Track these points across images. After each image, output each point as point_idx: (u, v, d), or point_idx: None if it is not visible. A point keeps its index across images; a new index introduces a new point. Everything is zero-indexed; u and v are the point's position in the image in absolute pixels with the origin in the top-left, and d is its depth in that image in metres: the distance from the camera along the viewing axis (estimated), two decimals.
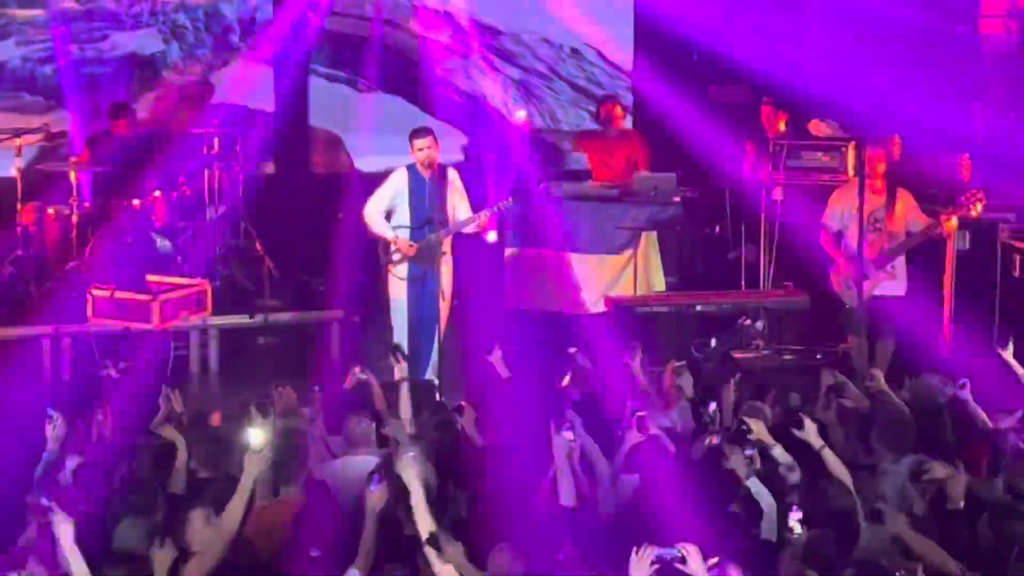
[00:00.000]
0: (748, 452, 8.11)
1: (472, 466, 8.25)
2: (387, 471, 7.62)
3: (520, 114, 15.56)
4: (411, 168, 11.73)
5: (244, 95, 15.59)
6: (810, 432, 8.16)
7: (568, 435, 8.00)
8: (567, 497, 7.78)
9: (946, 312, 12.96)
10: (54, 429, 8.28)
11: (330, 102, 16.46)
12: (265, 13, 16.16)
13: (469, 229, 11.76)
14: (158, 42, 15.95)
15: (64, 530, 6.68)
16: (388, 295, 11.85)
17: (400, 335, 11.78)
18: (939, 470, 7.94)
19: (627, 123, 14.42)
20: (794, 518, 7.27)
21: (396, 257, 11.73)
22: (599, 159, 14.03)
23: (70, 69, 15.44)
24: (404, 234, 11.67)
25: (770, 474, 8.05)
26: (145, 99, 15.43)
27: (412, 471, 7.16)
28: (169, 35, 16.05)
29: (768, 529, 7.51)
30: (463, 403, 9.14)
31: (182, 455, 8.24)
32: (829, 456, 8.06)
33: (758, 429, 8.43)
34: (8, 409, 10.35)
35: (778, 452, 8.25)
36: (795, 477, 8.07)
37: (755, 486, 7.67)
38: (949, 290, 12.91)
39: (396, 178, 11.78)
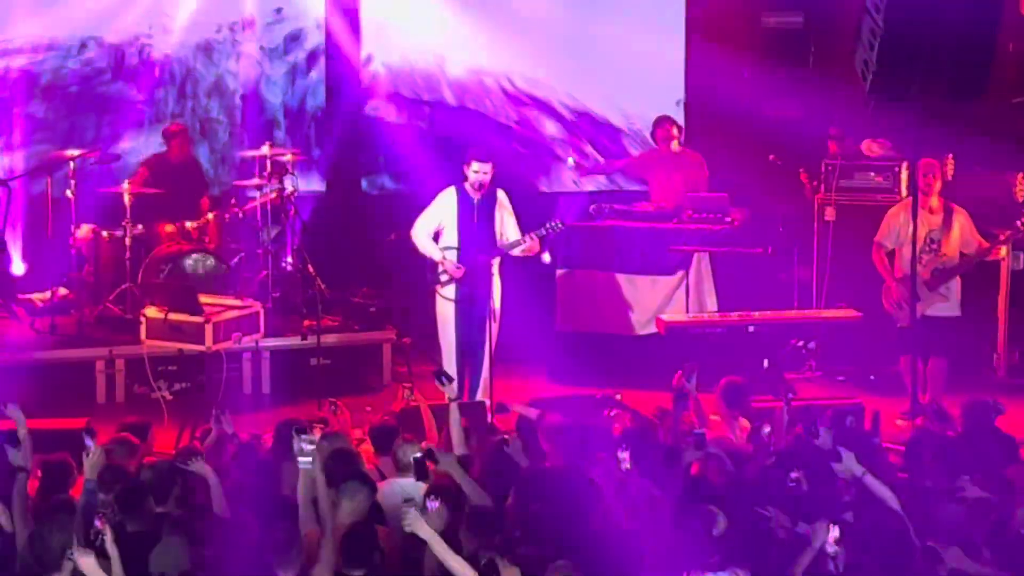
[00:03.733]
0: (794, 475, 8.08)
1: (526, 487, 8.23)
2: (440, 492, 7.64)
3: (569, 161, 14.95)
4: (460, 189, 11.74)
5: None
6: (850, 462, 8.09)
7: (623, 455, 7.99)
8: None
9: (1000, 332, 12.89)
10: (89, 458, 8.26)
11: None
12: (318, 100, 15.09)
13: (518, 251, 11.74)
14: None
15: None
16: (437, 316, 11.87)
17: (449, 356, 11.80)
18: (972, 490, 7.88)
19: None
20: (831, 536, 7.22)
21: (444, 278, 11.74)
22: (658, 180, 14.01)
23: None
24: (452, 255, 11.68)
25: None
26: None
27: (422, 526, 7.11)
28: (197, 132, 14.56)
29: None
30: (505, 437, 9.09)
31: (215, 485, 8.22)
32: (872, 482, 7.99)
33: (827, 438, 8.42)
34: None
35: (841, 466, 8.18)
36: (849, 495, 8.03)
37: (802, 528, 7.62)
38: (1004, 310, 12.85)
39: (445, 198, 11.78)
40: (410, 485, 8.42)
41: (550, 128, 15.53)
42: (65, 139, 14.28)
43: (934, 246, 11.98)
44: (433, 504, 7.30)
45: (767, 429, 9.19)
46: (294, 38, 14.94)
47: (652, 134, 14.29)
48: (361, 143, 15.07)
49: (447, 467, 8.32)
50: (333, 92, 14.77)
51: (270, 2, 14.90)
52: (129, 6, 14.55)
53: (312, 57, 14.92)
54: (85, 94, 14.45)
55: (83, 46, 14.41)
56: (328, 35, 14.95)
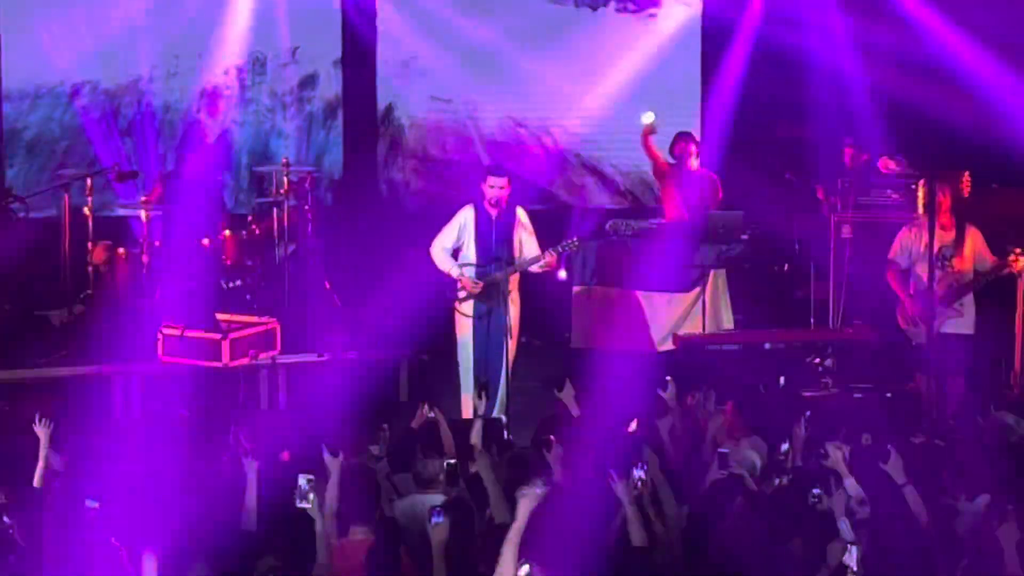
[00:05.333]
0: (815, 491, 8.06)
1: (547, 503, 8.23)
2: (451, 507, 7.64)
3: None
4: (478, 205, 11.77)
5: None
6: (896, 467, 8.06)
7: (639, 474, 7.97)
8: (637, 538, 7.74)
9: (1017, 349, 12.86)
10: None
11: None
12: (334, 159, 14.50)
13: (535, 268, 11.77)
14: None
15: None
16: (455, 333, 11.88)
17: (466, 373, 11.81)
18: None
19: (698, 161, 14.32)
20: (852, 555, 7.20)
21: (462, 295, 11.77)
22: (672, 197, 14.00)
23: None
24: (470, 271, 11.71)
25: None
26: None
27: (528, 504, 7.08)
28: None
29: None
30: (551, 437, 9.06)
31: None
32: (911, 494, 7.96)
33: (836, 458, 8.38)
34: (79, 449, 10.39)
35: (851, 484, 8.17)
36: (864, 512, 8.01)
37: (844, 526, 7.60)
38: (1020, 327, 12.82)
39: (463, 215, 11.82)
40: (431, 501, 8.42)
41: (597, 194, 15.34)
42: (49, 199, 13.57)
43: (946, 262, 11.97)
44: (438, 518, 7.31)
45: (784, 447, 9.18)
46: (308, 83, 14.60)
47: (670, 150, 14.25)
48: (379, 217, 14.71)
49: (481, 468, 8.30)
50: (350, 149, 14.37)
51: (284, 40, 14.52)
52: (128, 44, 14.17)
53: (329, 110, 14.57)
54: (76, 150, 14.06)
55: (75, 93, 14.03)
56: (345, 83, 14.60)
